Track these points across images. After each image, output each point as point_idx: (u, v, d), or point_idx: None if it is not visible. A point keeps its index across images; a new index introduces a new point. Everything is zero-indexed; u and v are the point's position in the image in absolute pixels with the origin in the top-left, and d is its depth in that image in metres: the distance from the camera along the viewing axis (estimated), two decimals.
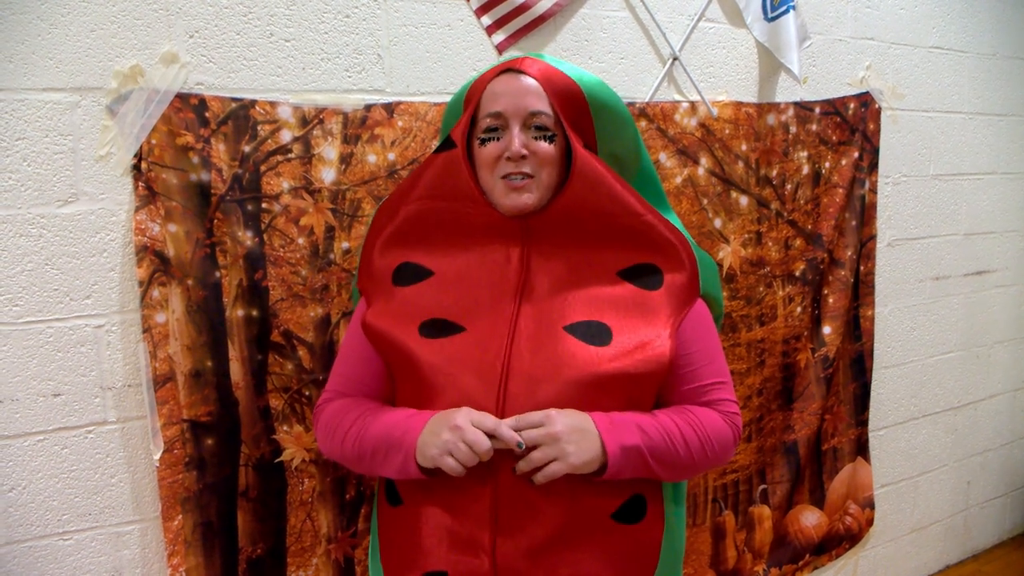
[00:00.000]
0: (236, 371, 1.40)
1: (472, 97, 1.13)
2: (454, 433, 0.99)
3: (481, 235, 1.14)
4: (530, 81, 1.09)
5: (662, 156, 1.77)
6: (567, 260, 1.13)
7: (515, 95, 1.08)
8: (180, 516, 1.37)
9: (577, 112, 1.11)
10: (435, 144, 1.50)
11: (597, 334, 1.07)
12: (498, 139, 1.09)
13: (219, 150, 1.34)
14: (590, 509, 1.07)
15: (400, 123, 1.48)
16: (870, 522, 2.33)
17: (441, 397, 1.07)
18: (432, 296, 1.13)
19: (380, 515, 1.20)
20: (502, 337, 1.07)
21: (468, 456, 0.99)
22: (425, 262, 1.16)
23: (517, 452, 1.01)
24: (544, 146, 1.09)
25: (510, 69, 1.11)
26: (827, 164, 2.05)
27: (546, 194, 1.11)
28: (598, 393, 1.05)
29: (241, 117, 1.35)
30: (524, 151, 1.07)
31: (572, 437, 1.00)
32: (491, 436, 1.00)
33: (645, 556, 1.11)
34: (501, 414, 1.03)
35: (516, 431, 1.01)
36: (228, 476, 1.41)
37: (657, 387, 1.12)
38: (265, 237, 1.40)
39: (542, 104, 1.09)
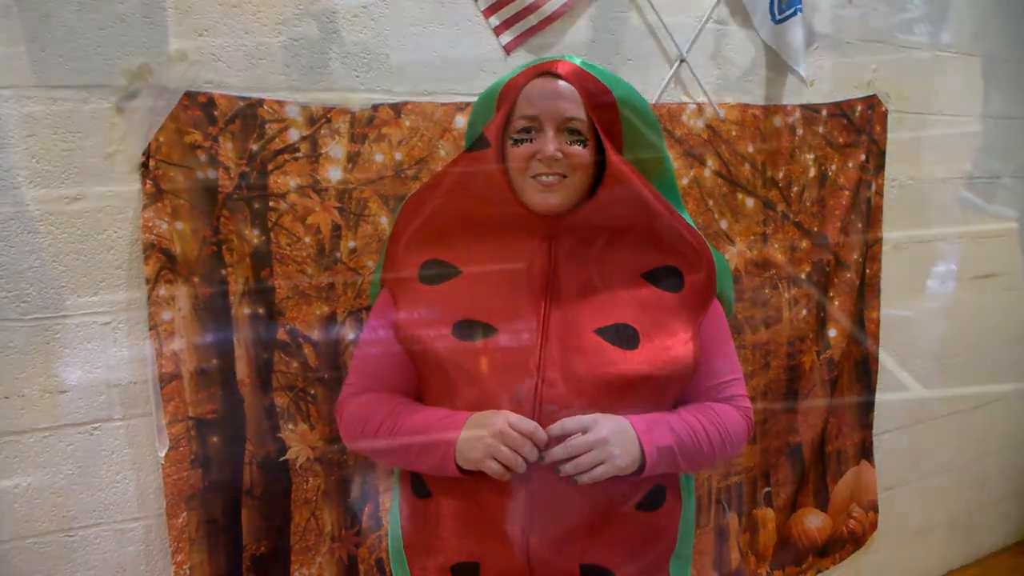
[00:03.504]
0: (242, 369, 1.40)
1: (506, 97, 1.13)
2: (495, 438, 1.02)
3: (509, 234, 1.15)
4: (566, 86, 1.10)
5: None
6: (593, 261, 1.15)
7: (551, 99, 1.09)
8: (185, 513, 1.37)
9: (609, 118, 1.12)
10: (442, 144, 1.50)
11: (625, 337, 1.09)
12: (531, 140, 1.10)
13: (227, 148, 1.35)
14: (618, 501, 1.10)
15: (407, 123, 1.48)
16: (874, 525, 2.33)
17: (477, 400, 1.08)
18: (462, 296, 1.14)
19: (404, 506, 1.21)
20: (535, 340, 1.09)
21: (511, 459, 1.01)
22: (452, 259, 1.17)
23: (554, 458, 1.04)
24: (577, 149, 1.10)
25: (546, 72, 1.12)
26: (833, 166, 2.05)
27: (575, 196, 1.12)
28: (626, 394, 1.08)
29: (249, 116, 1.36)
30: (558, 155, 1.08)
31: (617, 440, 1.03)
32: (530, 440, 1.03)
33: (665, 539, 1.16)
34: (536, 416, 1.05)
35: (563, 435, 1.03)
36: (233, 474, 1.41)
37: (680, 387, 1.15)
38: (272, 235, 1.40)
39: (577, 110, 1.09)
